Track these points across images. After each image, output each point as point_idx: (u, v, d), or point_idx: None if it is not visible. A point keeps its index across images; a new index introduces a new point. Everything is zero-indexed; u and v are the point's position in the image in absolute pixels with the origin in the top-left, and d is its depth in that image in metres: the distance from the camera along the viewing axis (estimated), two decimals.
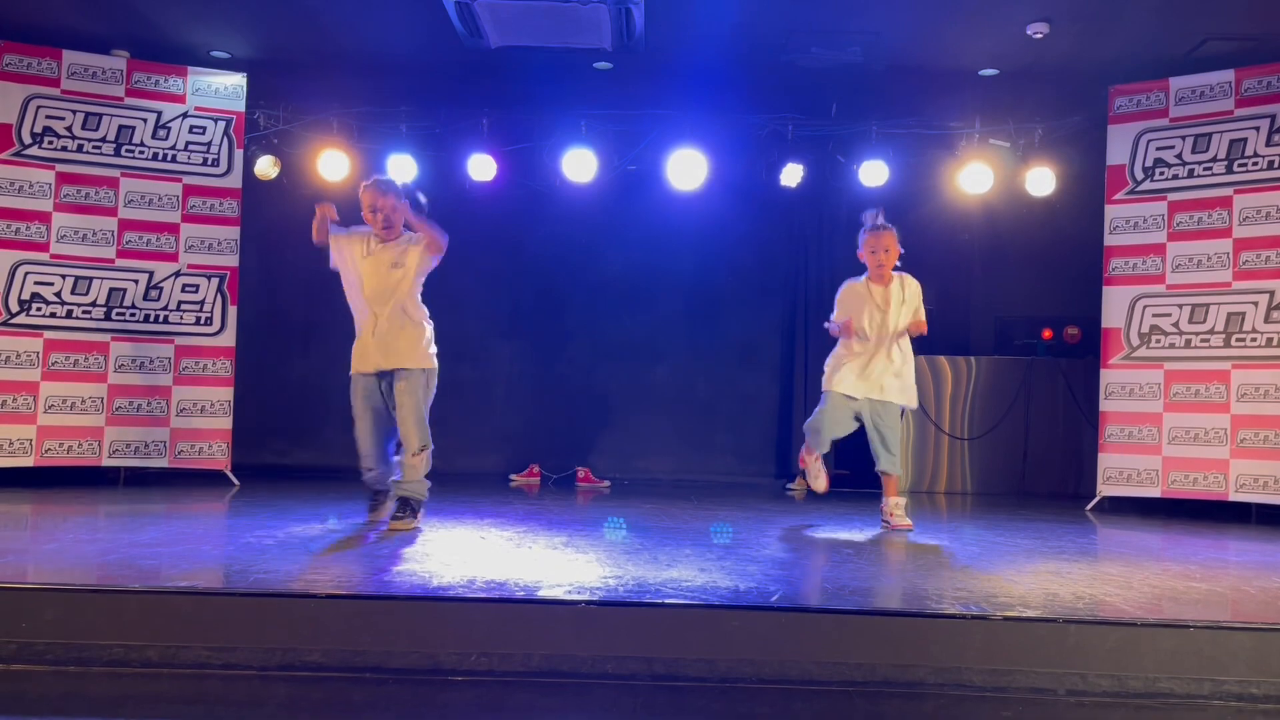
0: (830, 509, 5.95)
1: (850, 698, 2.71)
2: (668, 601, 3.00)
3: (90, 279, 6.26)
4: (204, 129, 6.54)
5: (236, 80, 6.62)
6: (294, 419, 7.68)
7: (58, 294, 6.18)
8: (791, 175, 7.21)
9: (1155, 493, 6.16)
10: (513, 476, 7.42)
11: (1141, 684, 2.77)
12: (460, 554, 3.82)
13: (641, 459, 7.85)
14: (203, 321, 6.50)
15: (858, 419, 5.13)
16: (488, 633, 2.87)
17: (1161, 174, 6.28)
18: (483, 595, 3.04)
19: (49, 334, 6.14)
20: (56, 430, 6.12)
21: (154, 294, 6.40)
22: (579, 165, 7.03)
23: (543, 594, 3.05)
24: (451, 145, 7.15)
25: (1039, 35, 5.83)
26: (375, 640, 2.84)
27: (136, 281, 6.36)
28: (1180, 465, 6.07)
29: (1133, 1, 5.44)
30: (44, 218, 6.15)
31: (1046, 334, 7.45)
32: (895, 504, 5.09)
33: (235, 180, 6.62)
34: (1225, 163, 6.07)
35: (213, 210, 6.54)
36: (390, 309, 4.51)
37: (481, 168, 7.07)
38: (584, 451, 7.70)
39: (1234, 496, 5.89)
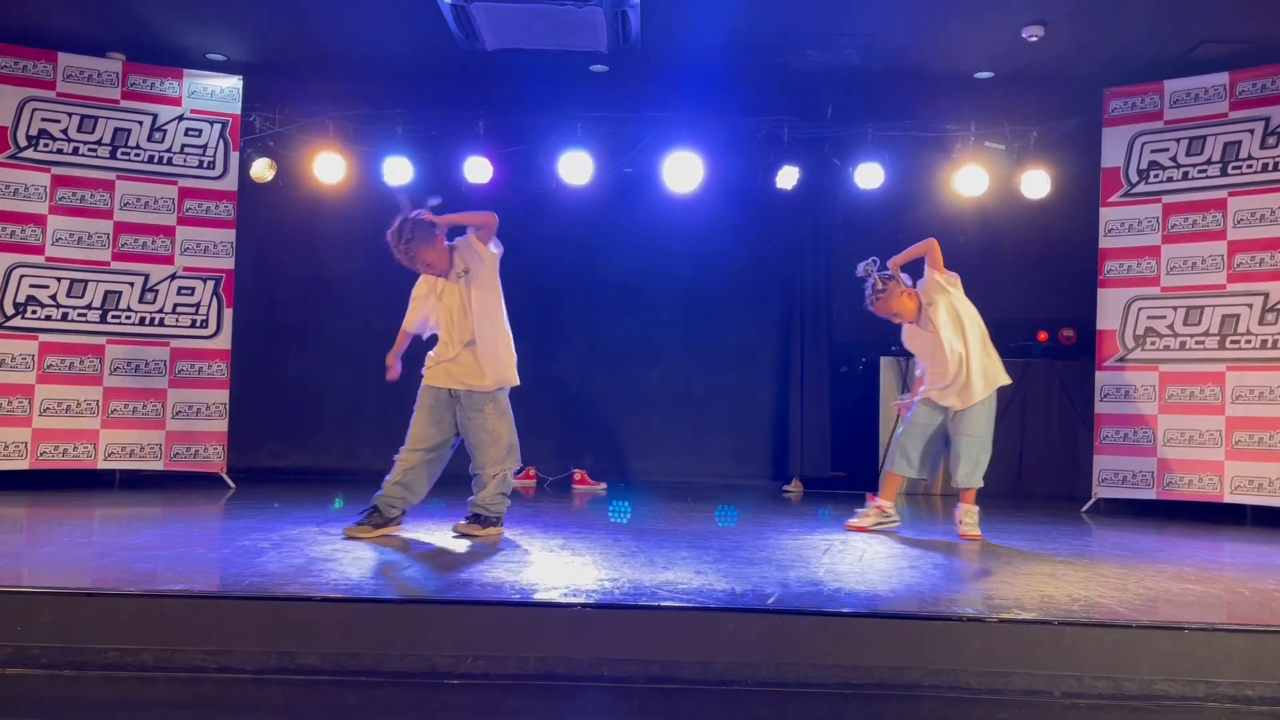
0: (826, 511, 5.96)
1: (846, 700, 2.72)
2: (664, 604, 3.00)
3: (86, 282, 6.25)
4: (200, 132, 6.53)
5: (232, 83, 6.61)
6: (290, 422, 7.67)
7: (53, 297, 6.17)
8: (787, 178, 7.21)
9: (1150, 494, 6.17)
10: None
11: (1136, 686, 2.78)
12: (456, 557, 3.82)
13: (638, 461, 7.85)
14: (198, 324, 6.49)
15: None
16: (484, 635, 2.87)
17: (1156, 176, 6.29)
18: (479, 598, 3.04)
19: (44, 337, 6.13)
20: (52, 433, 6.11)
21: (150, 297, 6.39)
22: (575, 168, 7.03)
23: (539, 597, 3.05)
24: (447, 148, 7.15)
25: (1034, 38, 5.85)
26: (371, 643, 2.84)
27: (132, 284, 6.35)
28: (1175, 467, 6.08)
29: (1128, 4, 5.45)
30: (39, 220, 6.14)
31: (1042, 336, 7.46)
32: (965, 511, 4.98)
33: (231, 183, 6.61)
34: (1220, 165, 6.09)
35: (209, 213, 6.54)
36: None
37: (477, 170, 7.07)
38: (580, 454, 7.69)
39: (1229, 498, 5.90)
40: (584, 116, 7.05)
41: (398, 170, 7.07)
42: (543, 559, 3.81)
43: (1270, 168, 5.92)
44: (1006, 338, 7.55)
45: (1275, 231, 5.88)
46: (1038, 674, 2.79)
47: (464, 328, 4.33)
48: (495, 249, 4.35)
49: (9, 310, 6.06)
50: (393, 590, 3.11)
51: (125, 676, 2.76)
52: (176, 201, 6.46)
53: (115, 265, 6.31)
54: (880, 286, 4.92)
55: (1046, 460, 7.31)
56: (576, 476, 7.33)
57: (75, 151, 6.24)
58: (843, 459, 7.65)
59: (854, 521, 5.05)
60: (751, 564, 3.81)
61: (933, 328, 4.90)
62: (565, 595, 3.07)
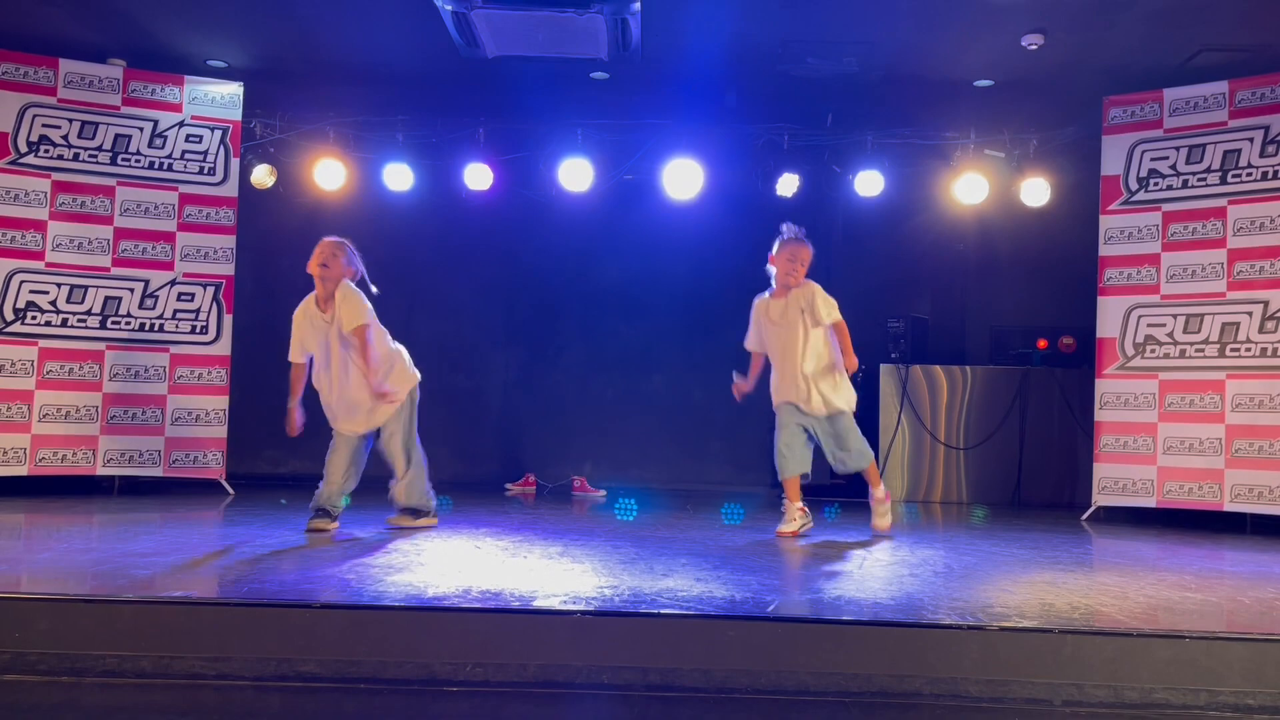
0: (826, 519, 5.95)
1: (846, 708, 2.71)
2: (664, 611, 2.99)
3: (85, 287, 6.25)
4: (200, 138, 6.54)
5: (233, 89, 6.62)
6: None
7: (53, 302, 6.17)
8: (787, 185, 7.22)
9: (1150, 503, 6.16)
10: (508, 485, 7.41)
11: (1137, 694, 2.77)
12: (456, 563, 3.82)
13: (637, 468, 7.85)
14: (198, 330, 6.49)
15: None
16: (483, 643, 2.86)
17: (1156, 184, 6.30)
18: (478, 605, 3.03)
19: (44, 342, 6.13)
20: (51, 439, 6.10)
21: (149, 303, 6.39)
22: (575, 175, 7.04)
23: (538, 604, 3.05)
24: (448, 154, 7.16)
25: (1034, 46, 5.86)
26: (370, 650, 2.84)
27: (132, 290, 6.35)
28: (1175, 475, 6.08)
29: (1127, 13, 5.47)
30: (39, 226, 6.14)
31: (1042, 344, 7.46)
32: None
33: (231, 189, 6.62)
34: (1219, 173, 6.09)
35: (209, 219, 6.54)
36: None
37: (478, 177, 7.08)
38: (580, 460, 7.69)
39: (1229, 506, 5.89)
40: (584, 123, 7.06)
41: (399, 176, 7.08)
42: (542, 566, 3.80)
43: (1270, 176, 5.93)
44: (1006, 345, 7.60)
45: (1275, 239, 5.88)
46: (1038, 682, 2.78)
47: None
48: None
49: (9, 316, 6.06)
50: (391, 597, 3.10)
51: (123, 683, 2.75)
52: (177, 207, 6.47)
53: (115, 271, 6.32)
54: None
55: (1046, 468, 7.30)
56: (576, 483, 7.33)
57: (76, 157, 6.25)
58: None
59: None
60: (751, 571, 3.80)
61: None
62: (565, 602, 3.07)
